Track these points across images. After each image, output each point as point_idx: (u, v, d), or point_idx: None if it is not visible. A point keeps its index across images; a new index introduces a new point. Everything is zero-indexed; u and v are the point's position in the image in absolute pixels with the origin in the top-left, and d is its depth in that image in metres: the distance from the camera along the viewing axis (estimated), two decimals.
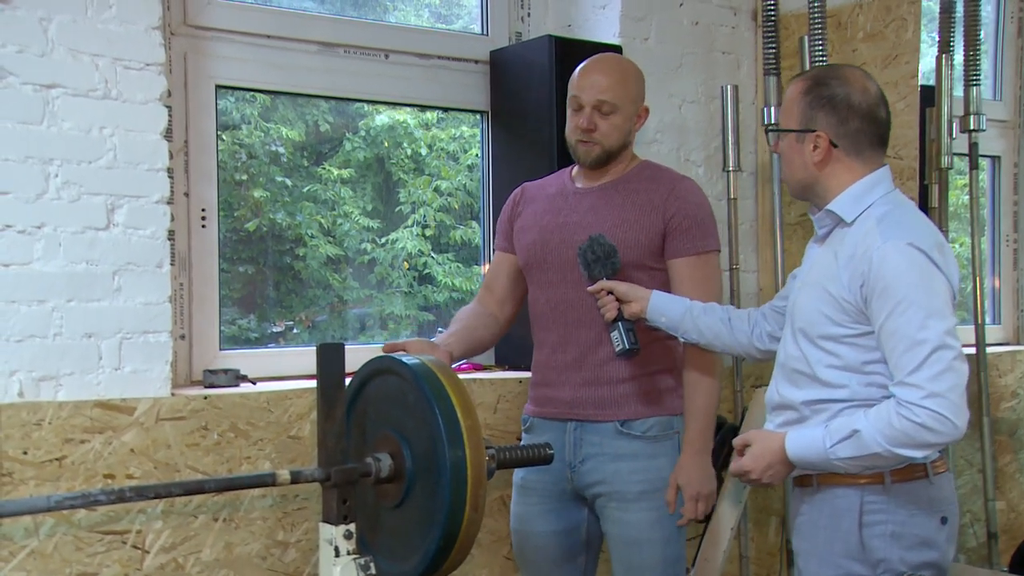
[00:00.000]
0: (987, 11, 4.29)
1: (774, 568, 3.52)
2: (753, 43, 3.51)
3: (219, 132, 2.84)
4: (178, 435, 2.47)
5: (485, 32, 3.28)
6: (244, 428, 2.56)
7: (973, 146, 3.69)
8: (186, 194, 2.73)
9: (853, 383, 1.98)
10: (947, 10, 3.57)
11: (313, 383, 2.30)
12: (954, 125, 3.59)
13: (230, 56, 2.80)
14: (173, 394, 2.48)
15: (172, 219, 2.49)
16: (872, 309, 1.93)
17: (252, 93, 3.02)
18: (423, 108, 3.28)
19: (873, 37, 3.23)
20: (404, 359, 1.94)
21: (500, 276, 2.61)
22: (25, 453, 2.29)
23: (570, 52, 2.90)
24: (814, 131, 2.03)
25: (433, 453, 1.82)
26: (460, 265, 3.37)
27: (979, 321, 3.64)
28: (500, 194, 2.96)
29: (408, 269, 3.31)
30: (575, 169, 2.55)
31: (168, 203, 2.47)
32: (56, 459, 2.32)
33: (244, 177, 3.05)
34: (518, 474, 2.56)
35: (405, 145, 3.33)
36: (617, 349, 2.30)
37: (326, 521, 1.86)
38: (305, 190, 3.16)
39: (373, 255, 3.26)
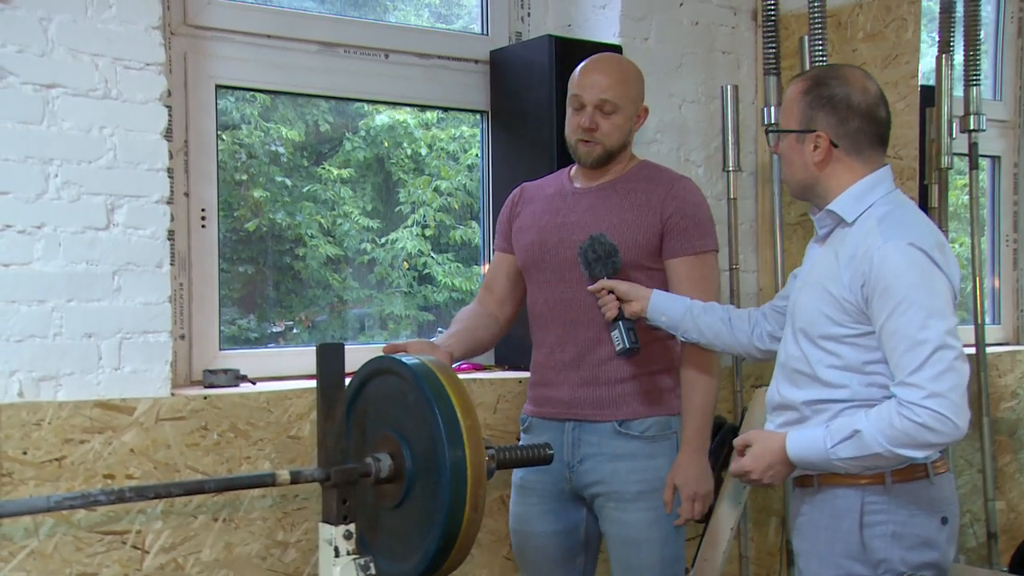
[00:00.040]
0: (987, 11, 4.29)
1: (774, 568, 3.52)
2: (753, 43, 3.51)
3: (219, 132, 2.84)
4: (178, 435, 2.47)
5: (485, 32, 3.28)
6: (244, 428, 2.56)
7: (973, 146, 3.69)
8: (186, 194, 2.73)
9: (854, 383, 1.98)
10: (947, 10, 3.57)
11: (313, 383, 2.30)
12: (954, 125, 3.59)
13: (230, 56, 2.80)
14: (173, 394, 2.48)
15: (172, 219, 2.49)
16: (873, 309, 1.93)
17: (252, 93, 3.02)
18: (423, 108, 3.28)
19: (873, 37, 3.23)
20: (404, 359, 1.94)
21: (499, 276, 2.61)
22: (25, 453, 2.29)
23: (570, 52, 2.90)
24: (814, 131, 2.03)
25: (433, 453, 1.82)
26: (460, 265, 3.37)
27: (979, 321, 3.64)
28: (500, 194, 2.96)
29: (408, 269, 3.31)
30: (574, 169, 2.55)
31: (168, 203, 2.47)
32: (56, 459, 2.32)
33: (244, 177, 3.05)
34: (517, 474, 2.56)
35: (405, 145, 3.33)
36: (618, 348, 2.30)
37: (326, 521, 1.86)
38: (305, 190, 3.16)
39: (373, 255, 3.26)
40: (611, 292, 2.30)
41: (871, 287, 1.92)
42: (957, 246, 4.30)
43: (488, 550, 2.94)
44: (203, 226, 2.76)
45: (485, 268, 3.25)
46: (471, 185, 3.38)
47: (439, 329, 3.29)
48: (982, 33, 3.75)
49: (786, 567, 3.33)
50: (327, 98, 3.12)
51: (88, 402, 2.36)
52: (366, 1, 3.23)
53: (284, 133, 3.11)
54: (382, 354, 2.11)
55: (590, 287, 2.32)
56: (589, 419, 2.42)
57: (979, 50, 3.67)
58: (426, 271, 3.33)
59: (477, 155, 3.34)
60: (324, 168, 3.21)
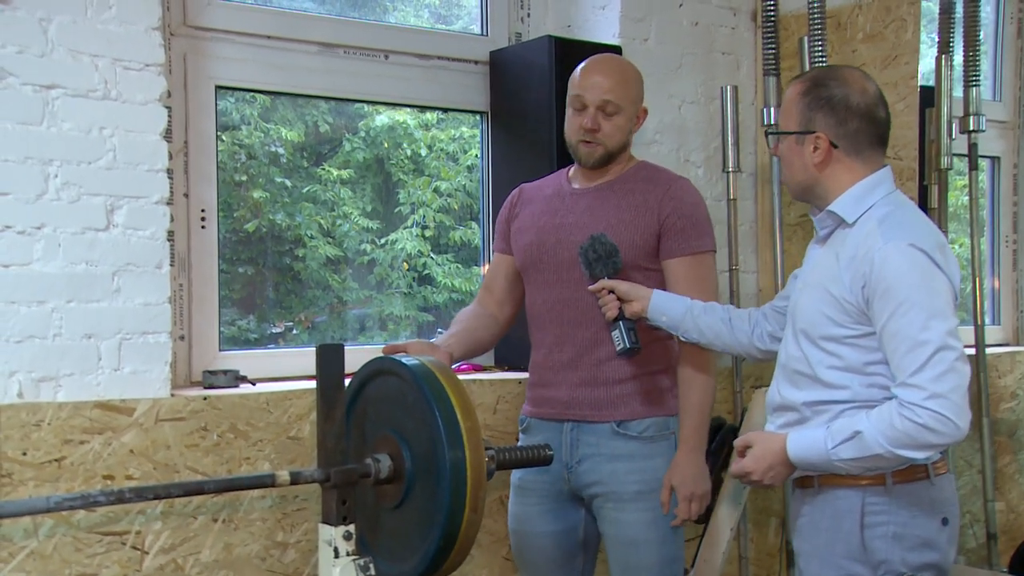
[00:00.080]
0: (987, 12, 4.29)
1: (773, 569, 3.51)
2: (753, 44, 3.51)
3: (219, 133, 2.84)
4: (177, 436, 2.47)
5: (485, 32, 3.28)
6: (244, 429, 2.56)
7: (973, 147, 3.69)
8: (186, 195, 2.73)
9: (854, 384, 1.98)
10: (947, 11, 3.57)
11: (313, 384, 2.30)
12: (954, 126, 3.59)
13: (230, 57, 2.80)
14: (173, 395, 2.48)
15: (172, 220, 2.49)
16: (874, 310, 1.93)
17: (252, 94, 3.02)
18: (423, 109, 3.28)
19: (873, 38, 3.23)
20: (404, 360, 1.94)
21: (499, 277, 2.61)
22: (24, 454, 2.29)
23: (570, 53, 2.90)
24: (813, 132, 2.03)
25: (433, 454, 1.82)
26: (460, 266, 3.37)
27: (979, 322, 3.64)
28: (500, 195, 2.96)
29: (408, 270, 3.31)
30: (572, 170, 2.55)
31: (168, 204, 2.47)
32: (55, 460, 2.32)
33: (244, 178, 3.05)
34: (515, 474, 2.56)
35: (405, 146, 3.33)
36: (618, 348, 2.30)
37: (325, 522, 1.86)
38: (305, 191, 3.16)
39: (373, 256, 3.26)
40: (612, 292, 2.30)
41: (872, 288, 1.92)
42: (957, 247, 4.30)
43: (488, 551, 2.94)
44: (203, 227, 2.76)
45: (485, 269, 3.25)
46: (471, 186, 3.38)
47: (439, 330, 3.29)
48: (982, 34, 3.75)
49: (786, 568, 3.33)
50: (327, 99, 3.12)
51: (88, 403, 2.36)
52: (366, 2, 3.23)
53: (284, 134, 3.11)
54: (382, 355, 2.11)
55: (591, 287, 2.32)
56: (587, 419, 2.42)
57: (979, 51, 3.67)
58: (426, 272, 3.33)
59: (477, 156, 3.34)
60: (324, 169, 3.21)
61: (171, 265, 2.49)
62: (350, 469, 1.86)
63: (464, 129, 3.40)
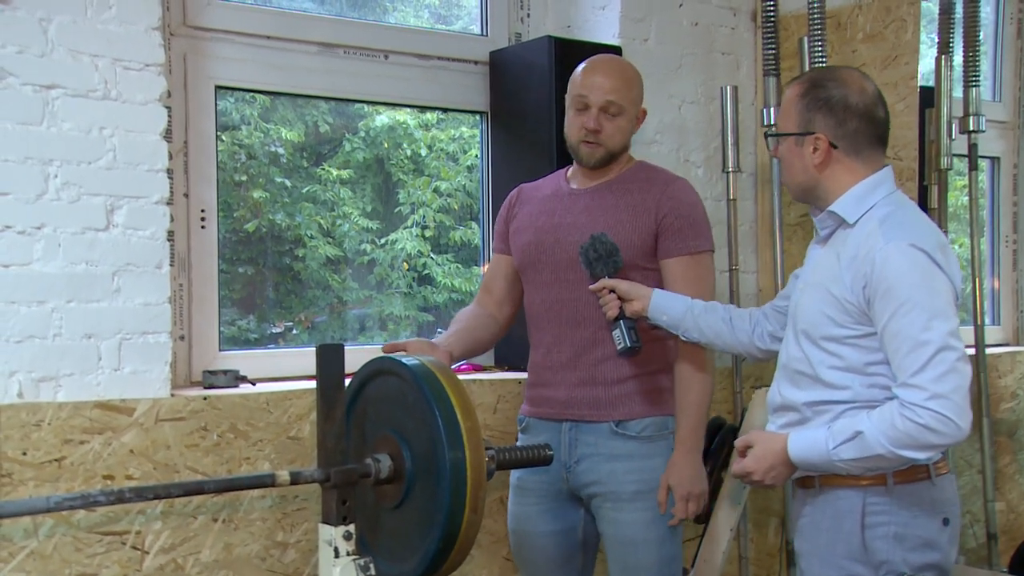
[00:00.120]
0: (986, 12, 4.29)
1: (773, 569, 3.52)
2: (753, 44, 3.51)
3: (219, 133, 2.84)
4: (178, 436, 2.47)
5: (485, 33, 3.28)
6: (244, 429, 2.56)
7: (972, 147, 3.69)
8: (186, 195, 2.73)
9: (855, 384, 1.98)
10: (946, 11, 3.57)
11: (313, 384, 2.30)
12: (953, 126, 3.59)
13: (230, 57, 2.80)
14: (173, 395, 2.48)
15: (172, 220, 2.49)
16: (875, 310, 1.93)
17: (252, 94, 3.02)
18: (423, 109, 3.28)
19: (873, 38, 3.23)
20: (404, 360, 1.94)
21: (498, 278, 2.61)
22: (24, 454, 2.28)
23: (570, 53, 2.90)
24: (813, 133, 2.03)
25: (433, 454, 1.82)
26: (459, 266, 3.37)
27: (979, 322, 3.64)
28: (500, 195, 2.96)
29: (408, 270, 3.31)
30: (570, 170, 2.55)
31: (168, 204, 2.47)
32: (55, 460, 2.32)
33: (244, 178, 3.05)
34: (514, 474, 2.56)
35: (405, 146, 3.33)
36: (619, 347, 2.30)
37: (326, 522, 1.86)
38: (304, 191, 3.16)
39: (372, 256, 3.26)
40: (612, 291, 2.30)
41: (873, 288, 1.92)
42: (957, 247, 4.30)
43: (488, 551, 2.94)
44: (203, 227, 2.76)
45: (485, 269, 3.25)
46: (471, 186, 3.38)
47: (439, 330, 3.29)
48: (981, 34, 3.76)
49: (786, 568, 3.33)
50: (327, 99, 3.12)
51: (88, 403, 2.36)
52: (366, 2, 3.23)
53: (284, 134, 3.11)
54: (382, 354, 2.11)
55: (591, 286, 2.32)
56: (586, 419, 2.42)
57: (978, 51, 3.67)
58: (426, 272, 3.33)
59: (477, 156, 3.34)
60: (324, 169, 3.21)
61: (171, 265, 2.49)
62: (350, 469, 1.86)
63: (464, 129, 3.40)
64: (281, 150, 3.14)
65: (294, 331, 3.17)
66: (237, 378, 2.68)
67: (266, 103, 3.08)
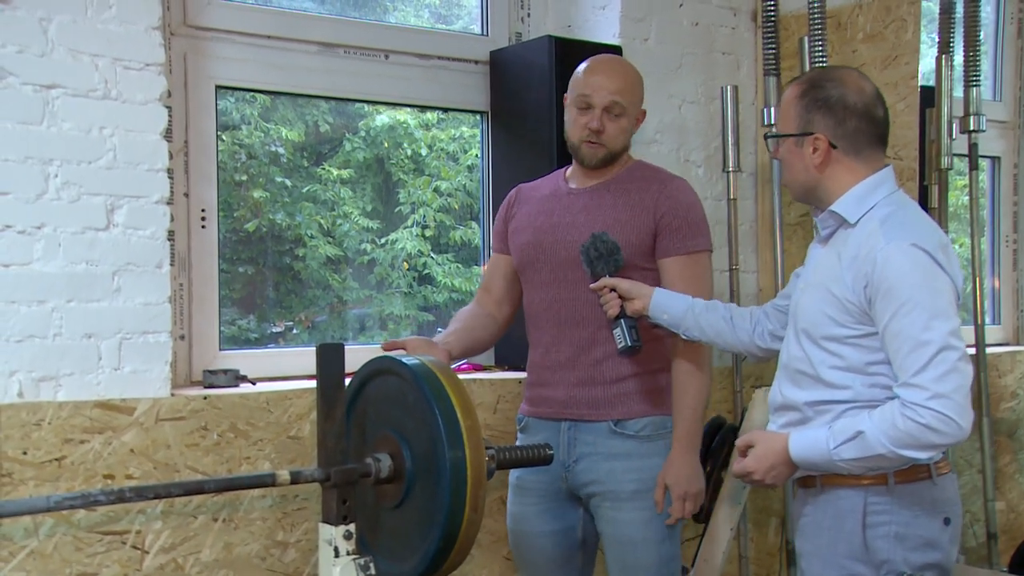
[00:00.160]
0: (987, 12, 4.29)
1: (774, 569, 3.52)
2: (753, 44, 3.51)
3: (219, 132, 2.84)
4: (178, 435, 2.47)
5: (485, 32, 3.28)
6: (244, 428, 2.56)
7: (973, 147, 3.69)
8: (186, 194, 2.73)
9: (856, 384, 1.98)
10: (947, 11, 3.57)
11: (313, 383, 2.30)
12: (954, 126, 3.59)
13: (230, 56, 2.80)
14: (173, 394, 2.48)
15: (172, 219, 2.49)
16: (876, 310, 1.93)
17: (252, 93, 3.02)
18: (423, 108, 3.28)
19: (873, 38, 3.23)
20: (404, 359, 1.94)
21: (497, 277, 2.61)
22: (25, 453, 2.29)
23: (570, 53, 2.90)
24: (812, 134, 2.03)
25: (433, 454, 1.82)
26: (460, 265, 3.37)
27: (979, 321, 3.64)
28: (500, 194, 2.95)
29: (408, 269, 3.31)
30: (569, 170, 2.55)
31: (168, 203, 2.47)
32: (56, 459, 2.32)
33: (244, 177, 3.05)
34: (513, 474, 2.56)
35: (405, 145, 3.33)
36: (619, 346, 2.30)
37: (326, 521, 1.86)
38: (305, 190, 3.16)
39: (373, 255, 3.26)
40: (613, 290, 2.30)
41: (874, 288, 1.92)
42: (957, 247, 4.30)
43: (488, 550, 2.94)
44: (203, 226, 2.76)
45: (485, 268, 3.25)
46: (471, 186, 3.38)
47: (438, 329, 3.29)
48: (982, 34, 3.75)
49: (786, 568, 3.33)
50: (327, 99, 3.12)
51: (88, 402, 2.36)
52: (366, 1, 3.23)
53: (284, 134, 3.11)
54: (382, 354, 2.11)
55: (592, 285, 2.32)
56: (585, 419, 2.42)
57: (979, 51, 3.67)
58: (426, 271, 3.33)
59: (477, 155, 3.34)
60: (324, 168, 3.21)
61: (171, 265, 2.49)
62: (350, 469, 1.86)
63: (464, 129, 3.40)
64: (281, 150, 3.14)
65: (294, 331, 3.17)
66: (237, 378, 2.68)
67: (266, 103, 3.08)
